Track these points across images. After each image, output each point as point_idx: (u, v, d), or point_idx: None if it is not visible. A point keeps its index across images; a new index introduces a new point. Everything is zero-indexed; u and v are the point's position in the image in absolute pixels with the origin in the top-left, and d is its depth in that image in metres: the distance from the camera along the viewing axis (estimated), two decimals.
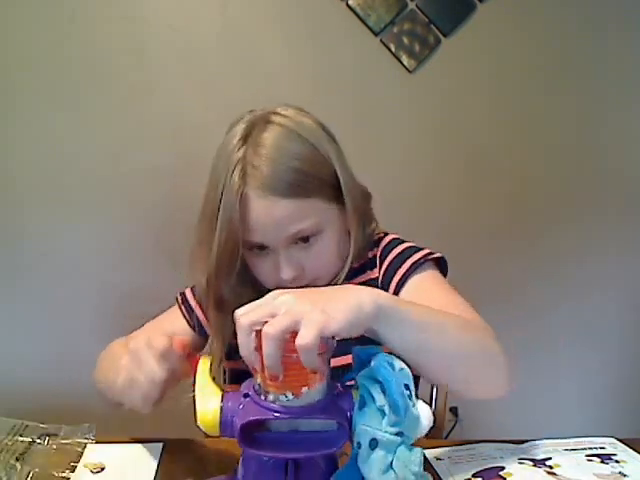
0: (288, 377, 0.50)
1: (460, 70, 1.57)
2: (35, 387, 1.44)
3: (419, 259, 0.78)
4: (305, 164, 0.73)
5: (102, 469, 0.62)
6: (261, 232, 0.73)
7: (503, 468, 0.63)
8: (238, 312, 0.52)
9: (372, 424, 0.51)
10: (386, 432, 0.50)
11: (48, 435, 0.69)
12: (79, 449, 0.67)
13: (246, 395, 0.53)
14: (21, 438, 0.67)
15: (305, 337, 0.47)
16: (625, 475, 0.62)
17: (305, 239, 0.74)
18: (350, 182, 0.78)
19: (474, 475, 0.62)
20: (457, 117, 1.59)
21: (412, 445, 0.51)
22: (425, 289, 0.76)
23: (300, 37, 1.51)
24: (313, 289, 0.57)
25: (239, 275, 0.76)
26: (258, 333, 0.49)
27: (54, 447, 0.67)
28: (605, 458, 0.66)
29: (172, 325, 0.85)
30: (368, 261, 0.84)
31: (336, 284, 0.79)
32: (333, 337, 0.52)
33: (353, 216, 0.78)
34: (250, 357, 0.51)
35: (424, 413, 0.52)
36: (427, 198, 1.61)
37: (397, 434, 0.50)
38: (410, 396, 0.51)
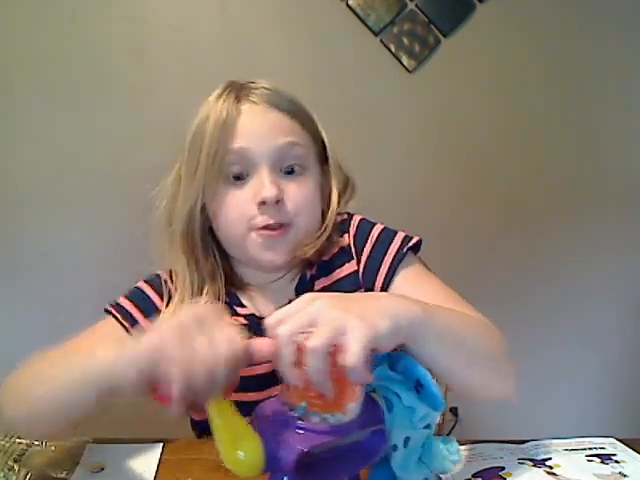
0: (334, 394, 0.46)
1: (460, 70, 1.57)
2: None
3: (399, 249, 0.75)
4: (297, 100, 0.74)
5: (101, 469, 0.62)
6: (250, 136, 0.69)
7: (503, 468, 0.63)
8: (271, 320, 0.48)
9: (404, 423, 0.51)
10: (416, 428, 0.51)
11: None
12: (78, 449, 0.66)
13: (284, 423, 0.47)
14: (19, 440, 0.67)
15: (354, 353, 0.44)
16: (625, 475, 0.62)
17: (289, 172, 0.71)
18: (334, 150, 0.77)
19: (474, 475, 0.62)
20: (457, 117, 1.59)
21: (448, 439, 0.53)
22: (416, 285, 0.74)
23: (300, 37, 1.51)
24: (343, 295, 0.53)
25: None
26: (297, 346, 0.45)
27: (52, 448, 0.67)
28: (605, 458, 0.66)
29: (107, 336, 0.73)
30: (341, 252, 0.78)
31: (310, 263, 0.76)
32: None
33: (336, 178, 0.76)
34: (290, 372, 0.46)
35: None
36: (427, 198, 1.61)
37: (426, 427, 0.52)
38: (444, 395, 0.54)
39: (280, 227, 0.70)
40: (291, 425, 0.47)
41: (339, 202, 0.77)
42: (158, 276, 0.80)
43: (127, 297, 0.78)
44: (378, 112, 1.54)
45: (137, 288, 0.79)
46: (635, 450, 0.68)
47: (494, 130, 1.62)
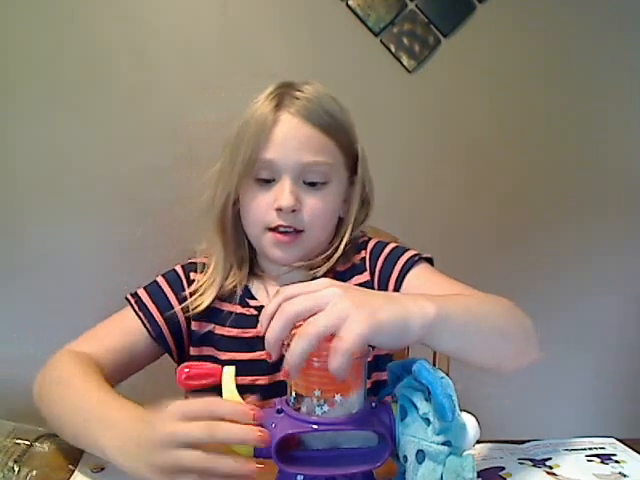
0: (322, 383, 0.47)
1: (460, 70, 1.57)
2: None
3: (411, 256, 0.80)
4: (338, 114, 0.79)
5: (102, 469, 0.62)
6: (281, 150, 0.74)
7: (503, 468, 0.62)
8: (280, 297, 0.49)
9: (417, 434, 0.48)
10: (433, 442, 0.47)
11: (47, 438, 0.68)
12: (79, 449, 0.66)
13: (279, 411, 0.50)
14: (20, 441, 0.67)
15: (344, 340, 0.45)
16: (625, 475, 0.62)
17: (312, 184, 0.76)
18: (366, 164, 0.82)
19: None
20: (457, 117, 1.59)
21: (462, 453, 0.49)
22: (428, 280, 0.78)
23: (300, 37, 1.51)
24: (359, 288, 0.53)
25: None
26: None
27: (54, 448, 0.66)
28: (605, 458, 0.66)
29: (126, 327, 0.78)
30: (355, 265, 0.83)
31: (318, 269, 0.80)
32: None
33: (359, 192, 0.81)
34: (275, 347, 0.47)
35: (470, 423, 0.49)
36: (427, 198, 1.61)
37: (444, 444, 0.47)
38: (454, 406, 0.47)
39: (292, 232, 0.76)
40: (284, 414, 0.49)
41: (356, 219, 0.83)
42: (174, 271, 0.84)
43: (146, 289, 0.82)
44: (378, 112, 1.54)
45: (155, 282, 0.83)
46: (635, 450, 0.68)
47: (494, 130, 1.62)
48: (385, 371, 0.56)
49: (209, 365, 0.53)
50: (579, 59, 1.62)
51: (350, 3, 1.49)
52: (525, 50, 1.59)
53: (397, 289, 0.78)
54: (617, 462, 0.65)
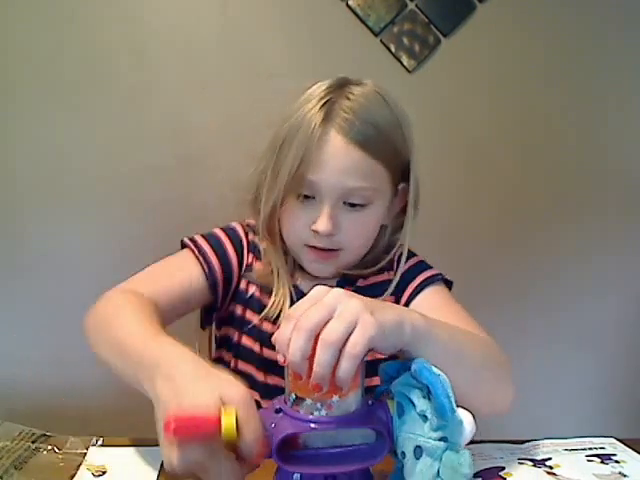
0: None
1: (460, 70, 1.57)
2: (35, 387, 1.44)
3: (434, 275, 0.82)
4: (388, 128, 0.75)
5: (104, 472, 0.62)
6: (325, 173, 0.71)
7: (503, 468, 0.63)
8: (292, 312, 0.49)
9: (414, 431, 0.49)
10: (430, 438, 0.48)
11: (54, 445, 0.67)
12: (81, 457, 0.65)
13: (278, 410, 0.50)
14: (25, 445, 0.66)
15: (357, 345, 0.45)
16: (625, 475, 0.62)
17: (353, 204, 0.74)
18: (416, 170, 0.81)
19: (474, 475, 0.62)
20: (457, 117, 1.59)
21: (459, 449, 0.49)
22: (438, 303, 0.79)
23: (300, 37, 1.51)
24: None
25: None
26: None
27: (59, 456, 0.66)
28: (605, 458, 0.66)
29: (187, 275, 0.78)
30: (384, 263, 0.84)
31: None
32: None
33: (412, 202, 0.81)
34: (301, 364, 0.46)
35: (466, 420, 0.50)
36: (427, 198, 1.59)
37: (441, 439, 0.48)
38: (454, 405, 0.49)
39: (329, 251, 0.76)
40: (282, 414, 0.49)
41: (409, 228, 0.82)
42: (234, 229, 0.84)
43: (205, 238, 0.81)
44: None
45: (213, 234, 0.83)
46: (635, 450, 0.68)
47: (494, 130, 1.62)
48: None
49: (201, 412, 0.44)
50: (579, 59, 1.62)
51: (350, 3, 1.49)
52: (525, 50, 1.59)
53: (410, 299, 0.80)
54: (617, 462, 0.65)
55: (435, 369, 0.50)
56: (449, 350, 0.57)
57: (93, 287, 1.51)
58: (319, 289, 0.51)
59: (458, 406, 0.50)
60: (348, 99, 0.73)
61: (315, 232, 0.74)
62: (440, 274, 0.83)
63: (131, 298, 0.68)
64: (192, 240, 0.81)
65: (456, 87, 1.58)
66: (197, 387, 0.45)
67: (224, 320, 0.85)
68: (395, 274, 0.82)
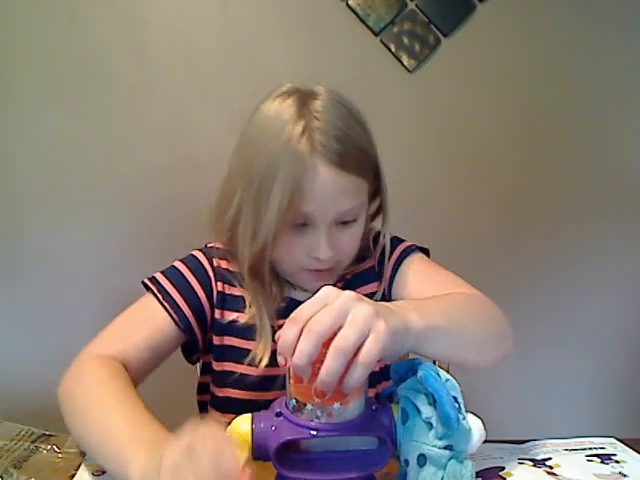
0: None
1: (460, 70, 1.57)
2: (35, 387, 1.44)
3: (408, 246, 0.84)
4: (357, 137, 0.73)
5: (103, 472, 0.62)
6: (319, 203, 0.70)
7: (503, 468, 0.62)
8: (297, 321, 0.47)
9: (419, 439, 0.48)
10: (434, 446, 0.47)
11: (53, 444, 0.67)
12: (81, 456, 0.65)
13: (279, 414, 0.49)
14: (24, 444, 0.66)
15: (370, 354, 0.45)
16: (625, 475, 0.62)
17: (344, 222, 0.74)
18: (383, 174, 0.82)
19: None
20: (457, 117, 1.59)
21: (463, 459, 0.49)
22: (422, 272, 0.81)
23: (300, 37, 1.51)
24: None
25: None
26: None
27: (59, 456, 0.66)
28: (605, 458, 0.66)
29: (152, 321, 0.74)
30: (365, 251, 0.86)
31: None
32: None
33: (385, 203, 0.83)
34: (306, 368, 0.45)
35: (475, 426, 0.49)
36: (427, 198, 1.61)
37: (446, 447, 0.47)
38: (459, 409, 0.48)
39: (328, 269, 0.75)
40: (283, 418, 0.49)
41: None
42: (197, 259, 0.81)
43: (167, 278, 0.77)
44: (378, 112, 1.52)
45: (175, 269, 0.79)
46: (635, 450, 0.68)
47: (494, 130, 1.62)
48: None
49: None
50: (579, 59, 1.62)
51: (350, 3, 1.49)
52: (525, 50, 1.59)
53: (392, 275, 0.82)
54: (617, 462, 0.65)
55: (442, 373, 0.49)
56: (452, 335, 0.59)
57: (93, 287, 1.51)
58: (328, 291, 0.49)
59: (467, 411, 0.49)
60: (317, 119, 0.70)
61: (316, 259, 0.73)
62: (414, 244, 0.85)
63: (103, 372, 0.65)
64: (154, 282, 0.76)
65: (456, 87, 1.58)
66: None
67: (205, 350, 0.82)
68: (378, 262, 0.84)
